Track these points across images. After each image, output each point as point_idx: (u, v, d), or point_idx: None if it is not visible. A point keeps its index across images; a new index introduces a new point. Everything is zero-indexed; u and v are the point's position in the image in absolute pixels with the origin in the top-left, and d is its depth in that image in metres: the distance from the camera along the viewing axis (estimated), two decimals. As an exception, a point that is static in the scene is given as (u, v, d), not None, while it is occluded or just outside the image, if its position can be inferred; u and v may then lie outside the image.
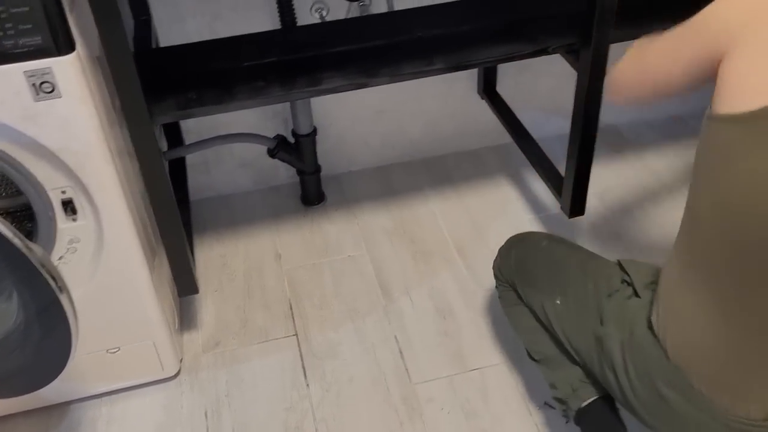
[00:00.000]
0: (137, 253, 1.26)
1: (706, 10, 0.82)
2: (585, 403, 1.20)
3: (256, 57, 1.36)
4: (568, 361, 1.23)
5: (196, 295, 1.62)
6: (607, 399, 1.20)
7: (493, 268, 1.40)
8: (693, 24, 0.84)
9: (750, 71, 0.75)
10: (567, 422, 1.27)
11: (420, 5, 1.52)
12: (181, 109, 1.26)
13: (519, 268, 1.32)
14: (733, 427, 0.95)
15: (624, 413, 1.25)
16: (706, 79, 0.83)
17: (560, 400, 1.25)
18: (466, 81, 1.93)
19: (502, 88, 1.94)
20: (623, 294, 1.10)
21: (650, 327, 1.01)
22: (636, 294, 1.08)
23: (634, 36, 1.47)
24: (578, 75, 1.41)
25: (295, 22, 1.59)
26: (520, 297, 1.31)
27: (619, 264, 1.15)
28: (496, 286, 1.40)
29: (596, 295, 1.12)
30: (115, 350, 1.38)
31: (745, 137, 0.75)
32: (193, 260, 1.47)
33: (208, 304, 1.65)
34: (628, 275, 1.11)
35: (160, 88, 1.29)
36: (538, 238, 1.37)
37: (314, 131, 1.78)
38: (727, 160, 0.78)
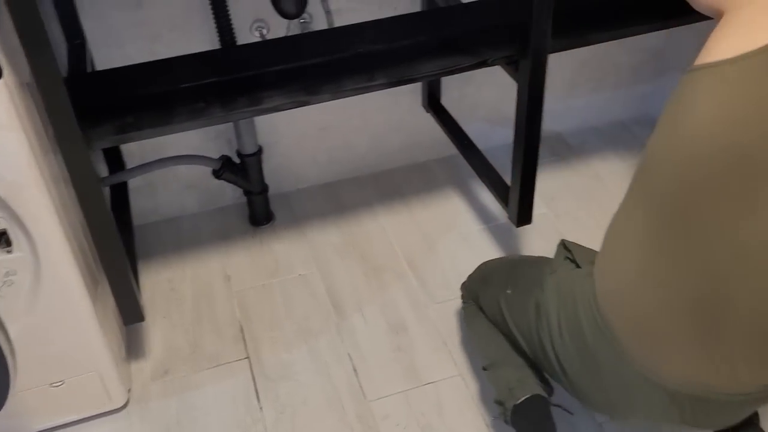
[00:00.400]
0: (77, 283, 1.22)
1: None
2: (519, 401, 1.23)
3: (195, 78, 1.34)
4: (512, 362, 1.28)
5: (144, 323, 1.57)
6: (539, 398, 1.23)
7: (461, 288, 1.48)
8: None
9: (732, 30, 0.85)
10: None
11: (360, 21, 1.52)
12: (118, 134, 1.23)
13: (481, 278, 1.42)
14: (651, 378, 0.99)
15: (557, 412, 1.32)
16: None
17: (499, 402, 1.28)
18: (410, 94, 1.93)
19: (447, 100, 1.95)
20: (565, 268, 1.19)
21: (587, 285, 1.06)
22: (577, 266, 1.17)
23: (572, 46, 1.51)
24: (518, 85, 1.42)
25: (235, 42, 1.57)
26: (481, 310, 1.38)
27: (563, 243, 1.25)
28: (462, 306, 1.48)
29: (541, 274, 1.20)
30: (59, 384, 1.33)
31: (709, 78, 0.83)
32: (138, 287, 1.43)
33: (156, 330, 1.61)
34: (571, 252, 1.21)
35: (96, 113, 1.26)
36: (504, 257, 1.47)
37: (260, 150, 1.76)
38: (691, 99, 0.86)
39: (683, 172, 0.88)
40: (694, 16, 1.48)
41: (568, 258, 1.24)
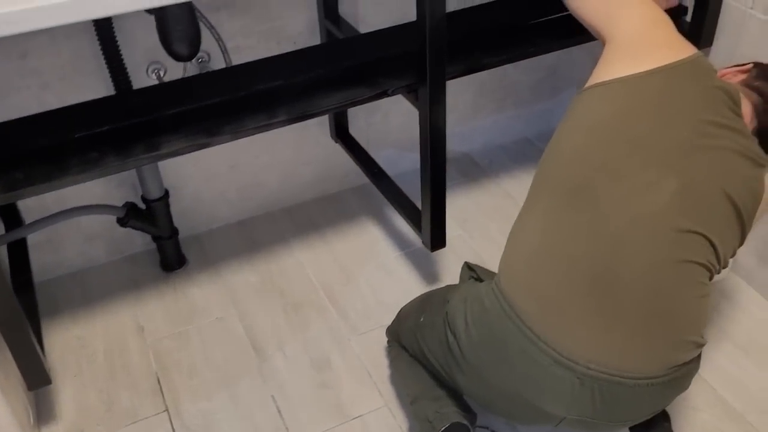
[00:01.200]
0: (-27, 352, 1.15)
1: (620, 12, 1.15)
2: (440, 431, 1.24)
3: (88, 127, 1.29)
4: (431, 395, 1.30)
5: (53, 384, 1.50)
6: (458, 426, 1.25)
7: (386, 333, 1.52)
8: (611, 7, 1.16)
9: (618, 60, 1.11)
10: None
11: (259, 57, 1.51)
12: (6, 192, 1.17)
13: (398, 318, 1.46)
14: (559, 360, 1.03)
15: None
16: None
17: None
18: (318, 126, 1.93)
19: (355, 129, 1.95)
20: (470, 283, 1.28)
21: (493, 283, 1.13)
22: (481, 281, 1.25)
23: (469, 71, 1.53)
24: (420, 113, 1.44)
25: (131, 86, 1.53)
26: (404, 348, 1.41)
27: (467, 264, 1.39)
28: (388, 350, 1.53)
29: (447, 294, 1.27)
30: (-39, 461, 1.25)
31: (604, 91, 1.09)
32: (43, 348, 1.37)
33: (67, 391, 1.54)
34: (475, 272, 1.34)
35: (-19, 171, 1.20)
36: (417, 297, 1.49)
37: (166, 194, 1.72)
38: (590, 105, 1.10)
39: (584, 157, 1.07)
40: (580, 38, 1.55)
41: (473, 277, 1.34)
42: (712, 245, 1.05)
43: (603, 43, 1.16)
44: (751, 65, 1.26)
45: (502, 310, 1.07)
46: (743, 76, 1.23)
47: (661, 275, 1.03)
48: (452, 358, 1.17)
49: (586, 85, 1.12)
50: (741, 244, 1.11)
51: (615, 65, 1.09)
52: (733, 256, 1.11)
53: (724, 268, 1.09)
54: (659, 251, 1.02)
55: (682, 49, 1.10)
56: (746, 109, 1.13)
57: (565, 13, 1.59)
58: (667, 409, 1.27)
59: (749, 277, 1.71)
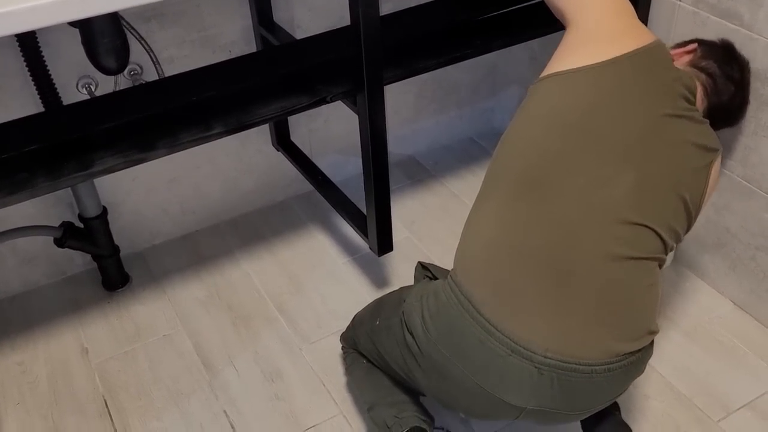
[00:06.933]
0: None
1: (595, 7, 1.14)
2: None
3: (15, 147, 1.25)
4: (389, 400, 1.29)
5: (-7, 415, 1.45)
6: (417, 430, 1.25)
7: (340, 340, 1.50)
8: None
9: (576, 51, 1.12)
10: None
11: (194, 67, 1.48)
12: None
13: (353, 324, 1.44)
14: (517, 349, 1.03)
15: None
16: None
17: None
18: (259, 135, 1.90)
19: (297, 136, 1.93)
20: (425, 281, 1.27)
21: (447, 278, 1.13)
22: (436, 279, 1.25)
23: (407, 75, 1.53)
24: (359, 118, 1.42)
25: (61, 102, 1.49)
26: (362, 355, 1.40)
27: (421, 264, 1.38)
28: (344, 357, 1.50)
29: (402, 294, 1.26)
30: None
31: (562, 81, 1.10)
32: (-21, 379, 1.31)
33: (10, 421, 1.48)
34: (429, 271, 1.33)
35: None
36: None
37: (104, 212, 1.67)
38: (547, 96, 1.11)
39: (541, 149, 1.07)
40: (517, 38, 1.55)
41: (428, 276, 1.32)
42: (660, 237, 1.08)
43: (565, 26, 1.17)
44: (695, 45, 1.29)
45: (459, 303, 1.07)
46: (689, 57, 1.26)
47: (612, 266, 1.05)
48: (411, 357, 1.16)
49: (543, 73, 1.13)
50: (687, 231, 1.14)
51: (574, 55, 1.10)
52: (679, 242, 1.14)
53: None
54: (611, 243, 1.05)
55: (642, 37, 1.11)
56: (697, 90, 1.16)
57: (501, 11, 1.61)
58: (618, 398, 1.28)
59: (692, 265, 1.74)
